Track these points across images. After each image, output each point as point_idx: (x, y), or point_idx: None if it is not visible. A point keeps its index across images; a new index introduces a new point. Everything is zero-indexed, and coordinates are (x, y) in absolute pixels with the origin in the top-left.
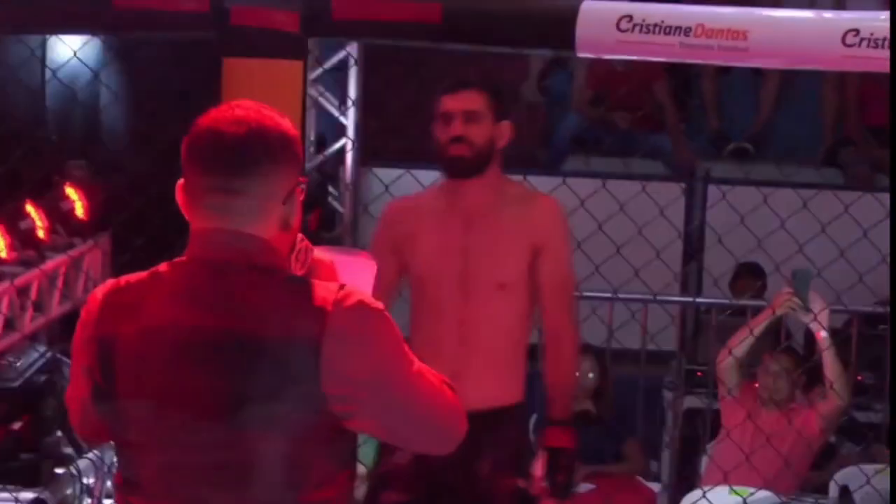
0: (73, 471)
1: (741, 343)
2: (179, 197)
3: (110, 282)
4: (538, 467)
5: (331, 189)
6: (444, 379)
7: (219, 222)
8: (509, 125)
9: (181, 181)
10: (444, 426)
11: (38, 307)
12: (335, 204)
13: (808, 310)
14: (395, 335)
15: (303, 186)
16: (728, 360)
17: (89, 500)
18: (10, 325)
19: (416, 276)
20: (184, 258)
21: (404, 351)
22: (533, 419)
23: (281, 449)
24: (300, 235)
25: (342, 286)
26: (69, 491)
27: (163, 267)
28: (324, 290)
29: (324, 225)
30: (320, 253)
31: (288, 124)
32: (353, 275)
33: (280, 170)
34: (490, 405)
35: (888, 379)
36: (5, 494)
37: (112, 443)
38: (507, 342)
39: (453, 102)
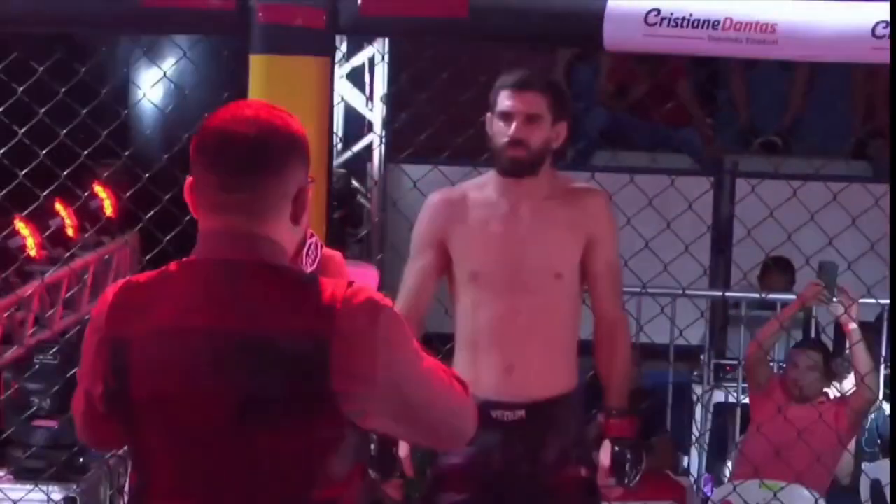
0: (106, 468)
1: (770, 336)
2: (188, 195)
3: (120, 282)
4: (605, 457)
5: (358, 185)
6: (454, 374)
7: (227, 221)
8: (565, 126)
9: (190, 179)
10: (455, 422)
11: (68, 305)
12: (363, 201)
13: (836, 302)
14: (405, 332)
15: (311, 186)
16: (757, 354)
17: (122, 500)
18: (40, 323)
19: (465, 270)
20: (193, 258)
21: (414, 347)
22: None
23: (293, 447)
24: (310, 231)
25: (351, 283)
26: (101, 488)
27: (172, 266)
28: (333, 288)
29: (351, 222)
30: (331, 250)
31: (297, 124)
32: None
33: (289, 169)
34: (548, 394)
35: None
36: (36, 491)
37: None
38: (563, 331)
39: (516, 103)
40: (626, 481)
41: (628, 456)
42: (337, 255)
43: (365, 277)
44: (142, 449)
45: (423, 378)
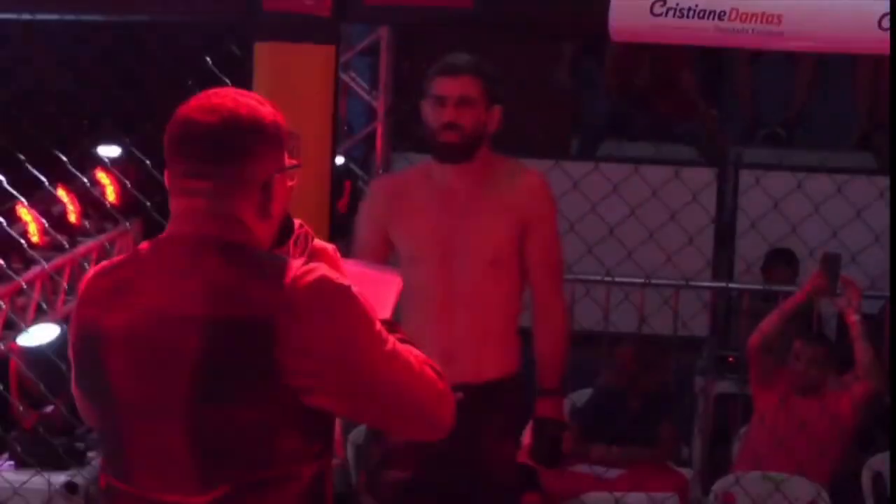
0: None
1: (773, 328)
2: (166, 181)
3: (98, 266)
4: (526, 437)
5: (361, 173)
6: (428, 361)
7: (193, 204)
8: (500, 110)
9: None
10: (422, 410)
11: (71, 291)
12: (366, 189)
13: (839, 294)
14: (361, 313)
15: (285, 173)
16: (759, 345)
17: None
18: (42, 309)
19: (405, 254)
20: (161, 235)
21: (372, 329)
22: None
23: (241, 423)
24: (299, 222)
25: (307, 262)
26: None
27: (143, 246)
28: (286, 266)
29: (353, 210)
30: (324, 242)
31: (267, 111)
32: (374, 289)
33: (254, 158)
34: (485, 378)
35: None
36: (38, 478)
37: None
38: (499, 316)
39: (447, 86)
40: (544, 461)
41: (546, 436)
42: (330, 247)
43: (385, 284)
44: (109, 428)
45: (380, 361)
